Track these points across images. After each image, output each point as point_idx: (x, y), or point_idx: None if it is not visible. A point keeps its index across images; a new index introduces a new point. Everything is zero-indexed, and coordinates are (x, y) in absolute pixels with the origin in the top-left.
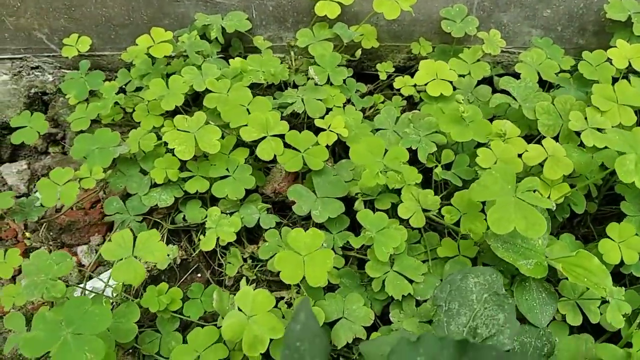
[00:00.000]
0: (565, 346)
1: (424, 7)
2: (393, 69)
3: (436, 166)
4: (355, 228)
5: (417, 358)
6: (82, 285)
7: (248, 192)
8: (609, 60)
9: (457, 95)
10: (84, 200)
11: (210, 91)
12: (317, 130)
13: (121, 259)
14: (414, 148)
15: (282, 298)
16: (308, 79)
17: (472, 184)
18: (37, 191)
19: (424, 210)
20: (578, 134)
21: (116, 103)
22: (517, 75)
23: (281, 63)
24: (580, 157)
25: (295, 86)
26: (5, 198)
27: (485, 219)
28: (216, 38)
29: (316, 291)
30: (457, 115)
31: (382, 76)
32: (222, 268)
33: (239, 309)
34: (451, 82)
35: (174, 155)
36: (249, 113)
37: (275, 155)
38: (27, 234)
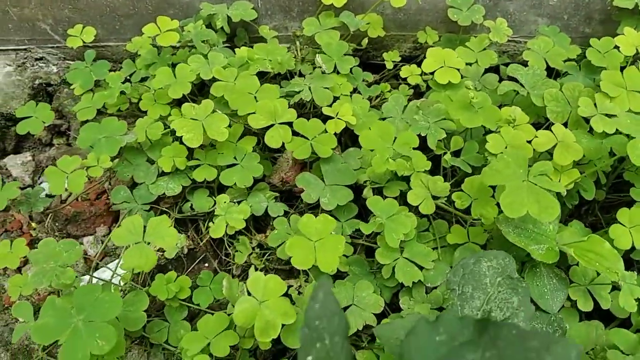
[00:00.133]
0: (576, 332)
1: None
2: (399, 58)
3: (445, 153)
4: (363, 217)
5: (437, 337)
6: (89, 275)
7: (255, 181)
8: (616, 47)
9: (467, 82)
10: (90, 191)
11: (217, 80)
12: (324, 119)
13: (132, 245)
14: (423, 135)
15: (291, 287)
16: (314, 68)
17: (484, 168)
18: (42, 182)
19: (433, 197)
20: (587, 120)
21: (122, 92)
22: (523, 65)
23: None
24: (589, 143)
25: (301, 75)
26: (11, 188)
27: (497, 204)
28: (222, 27)
29: (325, 278)
30: (466, 102)
31: (389, 65)
32: (230, 257)
33: (250, 294)
34: (458, 70)
35: (181, 143)
36: (257, 101)
37: (282, 145)
38: (33, 225)
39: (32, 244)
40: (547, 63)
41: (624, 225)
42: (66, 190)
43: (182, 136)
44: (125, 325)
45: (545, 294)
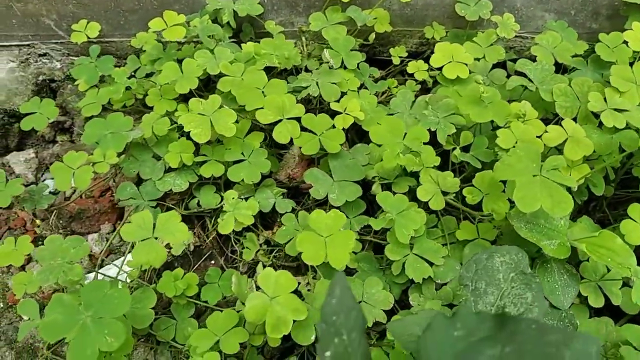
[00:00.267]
0: (586, 329)
1: None
2: (406, 54)
3: (454, 148)
4: (371, 213)
5: (454, 333)
6: (94, 273)
7: (262, 177)
8: (625, 43)
9: (477, 76)
10: (94, 188)
11: (223, 75)
12: (331, 115)
13: (141, 240)
14: (432, 130)
15: (299, 283)
16: (320, 63)
17: (496, 163)
18: (45, 179)
19: (443, 193)
20: (596, 115)
21: (127, 88)
22: (531, 60)
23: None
24: (600, 138)
25: (308, 71)
26: (15, 185)
27: (509, 199)
28: (228, 22)
29: (332, 276)
30: (475, 97)
31: (396, 61)
32: (236, 255)
33: (258, 289)
34: (466, 65)
35: (188, 139)
36: (265, 96)
37: (289, 141)
38: (38, 222)
39: (36, 241)
40: (554, 58)
41: (634, 221)
42: (72, 187)
43: (189, 132)
44: (133, 322)
45: (556, 290)
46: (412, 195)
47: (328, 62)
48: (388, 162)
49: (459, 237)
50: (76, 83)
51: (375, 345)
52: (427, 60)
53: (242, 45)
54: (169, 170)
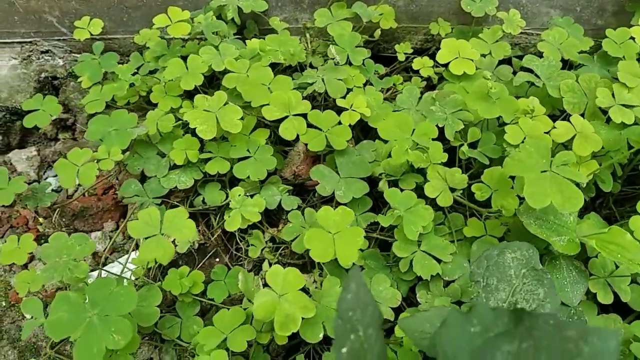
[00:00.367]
0: (595, 325)
1: None
2: (411, 50)
3: (461, 145)
4: (377, 210)
5: (470, 329)
6: (97, 271)
7: (268, 174)
8: (631, 38)
9: (485, 72)
10: (97, 186)
11: (228, 72)
12: (336, 112)
13: (148, 237)
14: (440, 126)
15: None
16: (325, 60)
17: (506, 158)
18: (47, 177)
19: (450, 190)
20: (604, 111)
21: (131, 85)
22: (537, 56)
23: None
24: (608, 134)
25: (312, 68)
26: (18, 183)
27: (518, 195)
28: (232, 19)
29: (340, 273)
30: (483, 92)
31: (401, 57)
32: (241, 252)
33: (265, 287)
34: (472, 61)
35: (193, 136)
36: (271, 92)
37: (295, 138)
38: (40, 220)
39: (39, 239)
40: (561, 54)
41: None
42: (75, 185)
43: (195, 128)
44: (138, 320)
45: (565, 287)
46: (418, 192)
47: (333, 59)
48: (397, 158)
49: (467, 234)
50: (79, 80)
51: None
52: (432, 56)
53: (247, 41)
54: (173, 167)
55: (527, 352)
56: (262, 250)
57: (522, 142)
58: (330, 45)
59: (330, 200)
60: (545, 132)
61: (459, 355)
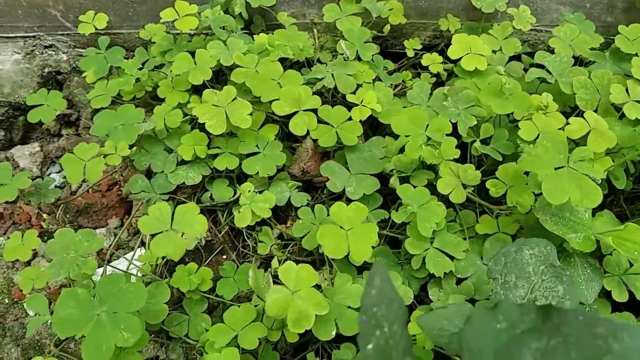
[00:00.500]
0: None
1: None
2: (420, 46)
3: (474, 141)
4: (387, 208)
5: (497, 325)
6: (102, 268)
7: (276, 170)
8: None
9: (498, 67)
10: (101, 182)
11: (237, 67)
12: (346, 108)
13: (159, 233)
14: (453, 121)
15: None
16: (334, 56)
17: (522, 154)
18: (50, 174)
19: (463, 186)
20: (617, 108)
21: (137, 80)
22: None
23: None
24: (622, 131)
25: (321, 63)
26: (22, 178)
27: (533, 192)
28: (240, 14)
29: (350, 271)
30: (496, 88)
31: (410, 53)
32: (248, 249)
33: (275, 284)
34: (484, 57)
35: (201, 131)
36: (280, 87)
37: (304, 134)
38: (45, 216)
39: (42, 236)
40: (573, 51)
41: None
42: (82, 181)
43: (202, 124)
44: (146, 317)
45: (579, 285)
46: (429, 189)
47: (343, 54)
48: (411, 154)
49: (479, 231)
50: (83, 75)
51: None
52: (440, 53)
53: (255, 36)
54: (181, 163)
55: (556, 348)
56: (271, 247)
57: (537, 138)
58: (340, 40)
59: (339, 197)
60: (558, 129)
61: (485, 352)
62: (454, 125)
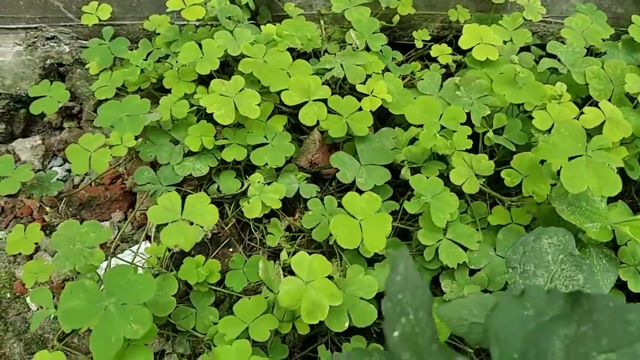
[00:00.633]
0: None
1: None
2: (429, 37)
3: (486, 131)
4: (395, 200)
5: (524, 312)
6: (107, 262)
7: (285, 162)
8: None
9: (512, 56)
10: (104, 175)
11: (244, 57)
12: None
13: (169, 223)
14: (466, 111)
15: None
16: (341, 47)
17: (540, 143)
18: (52, 167)
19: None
20: (631, 98)
21: (142, 71)
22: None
23: None
24: (637, 121)
25: (329, 54)
26: (24, 171)
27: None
28: (246, 4)
29: (360, 262)
30: (510, 78)
31: (419, 44)
32: (255, 242)
33: (285, 276)
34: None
35: (208, 122)
36: (290, 77)
37: (312, 125)
38: (48, 209)
39: (44, 230)
40: (585, 41)
41: None
42: (81, 175)
43: (211, 114)
44: (154, 310)
45: (595, 275)
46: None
47: (352, 44)
48: (425, 143)
49: (492, 222)
50: (87, 66)
51: None
52: (450, 44)
53: (262, 27)
54: (187, 154)
55: (587, 335)
56: (280, 239)
57: (551, 127)
58: (350, 30)
59: (347, 190)
60: (572, 119)
61: (512, 339)
62: (467, 116)
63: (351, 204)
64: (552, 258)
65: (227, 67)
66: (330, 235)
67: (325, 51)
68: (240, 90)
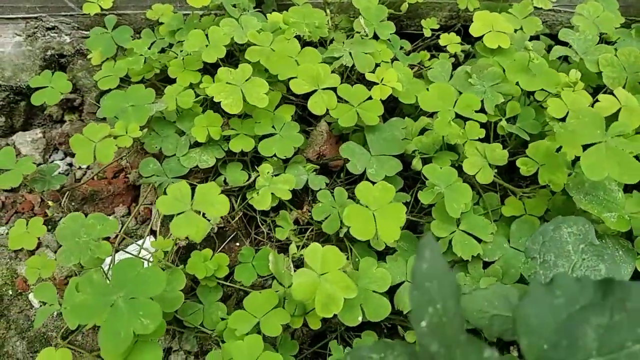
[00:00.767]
0: None
1: None
2: (438, 26)
3: (499, 120)
4: (405, 191)
5: (554, 301)
6: (111, 257)
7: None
8: None
9: (526, 42)
10: (107, 169)
11: (250, 45)
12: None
13: (179, 213)
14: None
15: None
16: (348, 36)
17: (558, 129)
18: (53, 161)
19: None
20: None
21: (146, 60)
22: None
23: None
24: None
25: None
26: (26, 164)
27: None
28: None
29: (370, 255)
30: (523, 65)
31: (427, 33)
32: (262, 236)
33: (296, 269)
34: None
35: (215, 112)
36: (298, 65)
37: (319, 116)
38: (51, 203)
39: (46, 224)
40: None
41: None
42: (83, 169)
43: (218, 103)
44: (162, 306)
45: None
46: None
47: (360, 32)
48: (440, 130)
49: (505, 213)
50: (89, 57)
51: None
52: (458, 33)
53: (268, 15)
54: (193, 145)
55: (621, 324)
56: (289, 231)
57: (566, 115)
58: (360, 17)
59: (355, 182)
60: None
61: (542, 330)
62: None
63: (364, 194)
64: (572, 248)
65: (233, 57)
66: (340, 227)
67: (332, 40)
68: (247, 79)
